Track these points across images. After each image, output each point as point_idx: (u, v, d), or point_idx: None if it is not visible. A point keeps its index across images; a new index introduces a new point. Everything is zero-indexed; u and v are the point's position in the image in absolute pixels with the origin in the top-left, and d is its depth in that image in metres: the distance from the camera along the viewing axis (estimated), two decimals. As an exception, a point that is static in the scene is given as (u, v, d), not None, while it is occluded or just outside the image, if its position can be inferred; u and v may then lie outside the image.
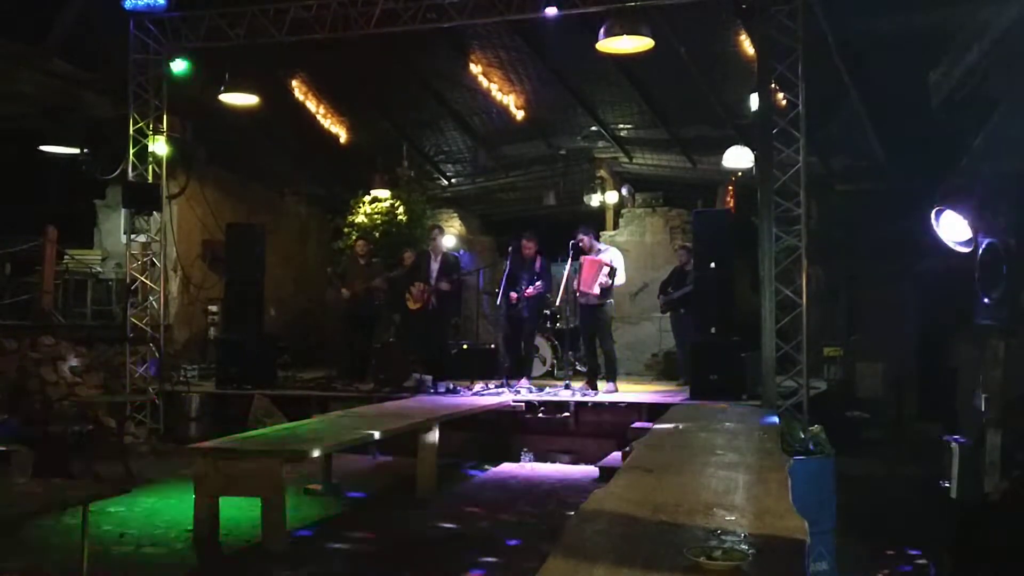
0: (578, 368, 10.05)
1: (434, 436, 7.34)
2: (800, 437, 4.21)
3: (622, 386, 9.86)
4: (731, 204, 12.10)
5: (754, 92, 8.94)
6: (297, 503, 6.66)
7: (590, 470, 8.08)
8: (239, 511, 6.09)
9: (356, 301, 10.21)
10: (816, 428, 4.46)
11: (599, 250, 9.38)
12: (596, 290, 9.04)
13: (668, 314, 10.81)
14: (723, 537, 2.33)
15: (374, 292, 10.24)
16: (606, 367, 9.55)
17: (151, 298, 10.05)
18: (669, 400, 8.59)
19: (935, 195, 5.16)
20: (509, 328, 9.83)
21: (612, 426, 8.51)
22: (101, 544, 5.57)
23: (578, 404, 8.80)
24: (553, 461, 8.64)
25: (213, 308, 11.43)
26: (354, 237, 11.49)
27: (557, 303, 9.93)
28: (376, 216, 12.87)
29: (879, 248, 10.06)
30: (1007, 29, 5.39)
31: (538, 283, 9.45)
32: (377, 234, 12.69)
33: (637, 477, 3.17)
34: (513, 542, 5.75)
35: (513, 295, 9.43)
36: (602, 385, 9.31)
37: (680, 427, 4.64)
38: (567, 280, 9.34)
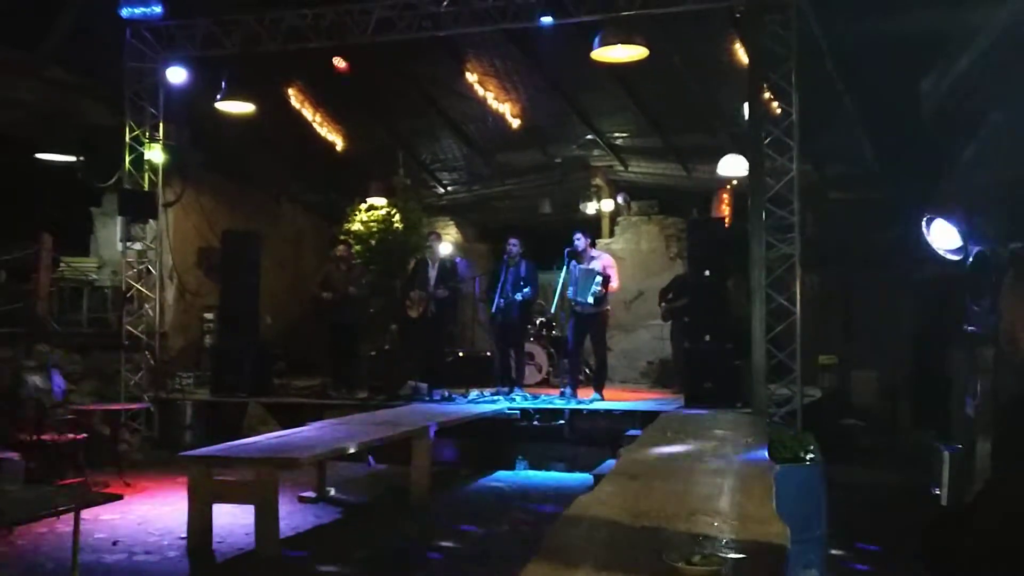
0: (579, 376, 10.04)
1: (428, 444, 7.35)
2: (790, 445, 4.22)
3: (617, 394, 9.88)
4: (725, 212, 12.12)
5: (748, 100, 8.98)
6: (291, 511, 6.66)
7: (585, 477, 8.08)
8: (233, 519, 6.09)
9: (336, 308, 10.16)
10: (806, 436, 4.48)
11: (591, 256, 9.41)
12: (590, 299, 9.07)
13: (669, 322, 10.79)
14: (704, 542, 2.34)
15: (354, 299, 10.19)
16: (597, 374, 9.56)
17: (146, 306, 10.05)
18: (664, 408, 8.59)
19: (928, 203, 5.18)
20: (499, 336, 9.85)
21: (607, 433, 8.49)
22: (94, 552, 5.57)
23: (573, 412, 8.81)
24: (548, 468, 8.63)
25: (209, 316, 11.42)
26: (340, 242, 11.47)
27: (553, 310, 9.95)
28: (372, 224, 12.89)
29: (873, 256, 10.09)
30: (996, 39, 5.43)
31: (525, 289, 9.47)
32: (373, 242, 12.71)
33: (622, 483, 3.18)
34: (507, 550, 5.75)
35: (500, 302, 9.44)
36: (590, 392, 9.30)
37: (668, 433, 4.64)
38: (562, 287, 9.36)
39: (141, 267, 10.11)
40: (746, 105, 8.81)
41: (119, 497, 4.87)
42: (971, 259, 4.34)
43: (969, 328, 4.33)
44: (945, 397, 7.96)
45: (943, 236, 4.57)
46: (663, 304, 10.58)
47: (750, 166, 8.43)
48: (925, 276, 8.45)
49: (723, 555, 2.15)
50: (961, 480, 4.18)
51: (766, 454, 3.89)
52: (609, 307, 9.62)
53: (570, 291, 9.23)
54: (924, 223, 4.59)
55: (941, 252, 4.60)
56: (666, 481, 3.25)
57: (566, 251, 9.37)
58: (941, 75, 6.62)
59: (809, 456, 4.14)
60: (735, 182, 11.43)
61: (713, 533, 2.43)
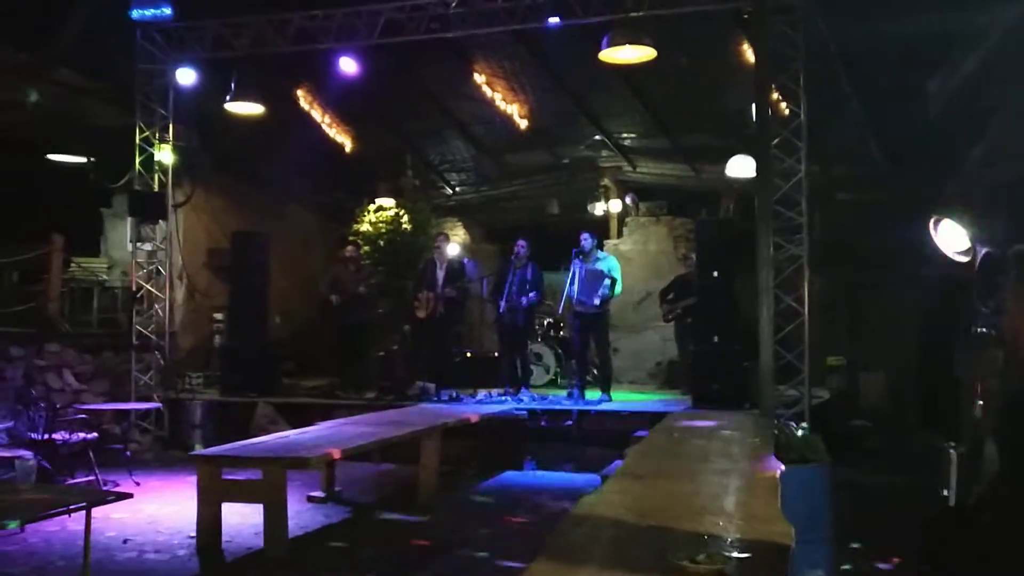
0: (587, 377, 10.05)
1: (436, 444, 7.37)
2: (796, 445, 4.23)
3: (625, 394, 9.88)
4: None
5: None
6: (299, 510, 6.69)
7: (593, 478, 8.06)
8: (242, 518, 6.13)
9: (345, 308, 10.19)
10: (813, 437, 4.48)
11: (597, 257, 9.41)
12: (596, 301, 9.08)
13: (672, 323, 10.79)
14: (709, 541, 2.35)
15: (363, 299, 10.25)
16: (601, 376, 9.56)
17: (156, 306, 10.10)
18: (671, 409, 8.60)
19: (935, 204, 5.17)
20: (506, 337, 9.87)
21: (615, 434, 8.49)
22: (104, 550, 5.61)
23: (581, 412, 8.82)
24: (556, 469, 8.64)
25: (218, 316, 11.47)
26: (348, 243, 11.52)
27: (560, 311, 9.97)
28: (380, 225, 12.92)
29: (881, 257, 10.07)
30: (1003, 39, 5.42)
31: (531, 293, 9.49)
32: (381, 243, 12.74)
33: (628, 483, 3.20)
34: (515, 550, 5.76)
35: (505, 305, 9.46)
36: (595, 394, 9.31)
37: (675, 434, 4.66)
38: (568, 287, 9.36)
39: (151, 267, 10.17)
40: (754, 106, 8.81)
41: (130, 496, 4.90)
42: (979, 260, 4.33)
43: (977, 330, 4.31)
44: (953, 398, 7.94)
45: (951, 237, 4.55)
46: (664, 305, 10.58)
47: (758, 167, 8.43)
48: (932, 277, 8.43)
49: (728, 554, 2.16)
50: (968, 482, 4.17)
51: (772, 455, 3.90)
52: (609, 308, 9.62)
53: (574, 291, 9.22)
54: (932, 224, 4.57)
55: (949, 253, 4.58)
56: (672, 481, 3.26)
57: (573, 251, 9.38)
58: (948, 75, 6.62)
59: (822, 457, 4.15)
60: (743, 182, 11.41)
61: (718, 533, 2.44)
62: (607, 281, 9.10)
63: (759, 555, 2.22)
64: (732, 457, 3.83)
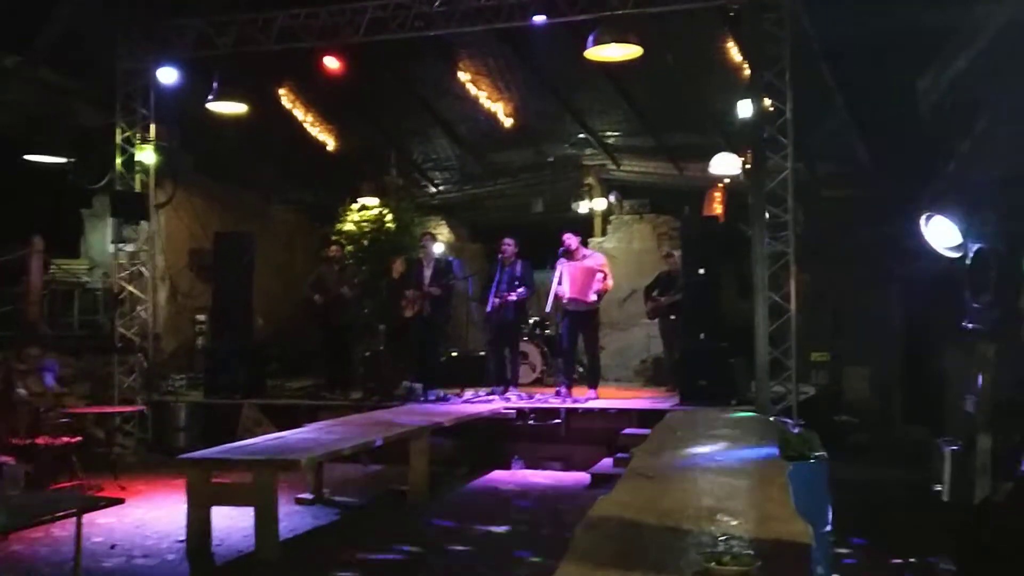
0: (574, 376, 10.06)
1: (425, 444, 7.35)
2: (795, 442, 4.25)
3: (611, 392, 9.89)
4: (717, 210, 12.13)
5: (741, 99, 9.03)
6: (288, 512, 6.64)
7: (581, 476, 8.11)
8: (231, 521, 6.07)
9: (328, 309, 10.14)
10: (809, 433, 4.50)
11: (584, 255, 9.41)
12: (592, 297, 9.10)
13: (656, 320, 10.82)
14: (730, 542, 2.35)
15: (347, 299, 10.20)
16: (591, 373, 9.57)
17: (139, 308, 9.99)
18: (659, 406, 8.62)
19: (921, 200, 5.21)
20: (495, 335, 9.85)
21: (602, 432, 8.53)
22: (92, 556, 5.54)
23: (568, 411, 8.82)
24: (544, 468, 8.64)
25: (201, 317, 11.37)
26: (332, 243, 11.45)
27: (547, 309, 9.95)
28: (364, 224, 12.86)
29: (865, 253, 10.14)
30: (994, 38, 5.48)
31: (520, 289, 9.47)
32: (365, 242, 12.68)
33: (639, 484, 3.20)
34: (504, 550, 5.75)
35: (495, 301, 9.44)
36: (585, 391, 9.31)
37: (678, 432, 4.66)
38: (557, 287, 9.35)
39: (133, 269, 10.06)
40: (740, 104, 8.85)
41: (121, 501, 4.84)
42: (971, 256, 4.37)
43: (969, 325, 4.36)
44: (936, 393, 8.02)
45: (942, 233, 4.59)
46: (649, 302, 10.59)
47: (752, 165, 8.45)
48: (914, 273, 8.51)
49: (752, 554, 2.16)
50: (962, 477, 4.21)
51: (777, 452, 3.92)
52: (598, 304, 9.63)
53: (563, 290, 9.21)
54: (923, 220, 4.61)
55: (940, 249, 4.62)
56: (683, 481, 3.26)
57: (559, 252, 9.36)
58: (938, 74, 6.67)
59: (820, 453, 4.17)
60: (727, 180, 11.46)
61: (736, 532, 2.44)
62: (600, 276, 9.11)
63: (780, 555, 2.22)
64: (739, 456, 3.83)
